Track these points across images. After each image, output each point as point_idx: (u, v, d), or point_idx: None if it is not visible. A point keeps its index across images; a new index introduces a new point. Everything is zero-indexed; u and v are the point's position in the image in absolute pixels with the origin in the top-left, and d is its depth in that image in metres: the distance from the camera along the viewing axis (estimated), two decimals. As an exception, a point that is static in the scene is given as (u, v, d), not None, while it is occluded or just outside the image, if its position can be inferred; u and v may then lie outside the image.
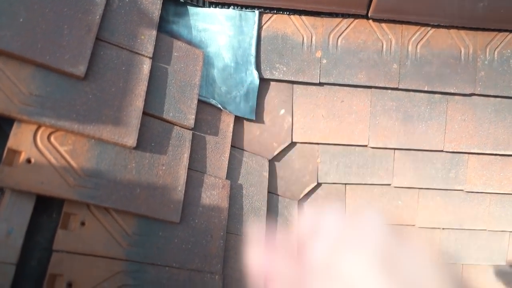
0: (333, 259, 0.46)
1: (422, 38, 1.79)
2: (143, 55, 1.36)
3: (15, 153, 1.08)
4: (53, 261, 1.08)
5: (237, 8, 1.65)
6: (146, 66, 1.35)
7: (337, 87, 1.80)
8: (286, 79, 1.73)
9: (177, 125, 1.42)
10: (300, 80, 1.74)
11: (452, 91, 1.81)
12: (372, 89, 1.81)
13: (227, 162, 1.56)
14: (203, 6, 1.64)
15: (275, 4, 1.65)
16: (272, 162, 1.77)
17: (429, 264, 0.44)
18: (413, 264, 0.44)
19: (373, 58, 1.77)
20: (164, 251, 1.28)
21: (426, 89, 1.80)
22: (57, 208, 1.14)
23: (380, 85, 1.78)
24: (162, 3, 1.46)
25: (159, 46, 1.43)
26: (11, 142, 1.08)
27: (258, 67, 1.69)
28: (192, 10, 1.62)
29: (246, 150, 1.69)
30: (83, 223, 1.16)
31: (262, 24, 1.70)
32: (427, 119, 1.84)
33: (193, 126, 1.45)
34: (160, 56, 1.44)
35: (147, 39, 1.39)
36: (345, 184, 1.91)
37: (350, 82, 1.77)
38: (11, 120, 1.09)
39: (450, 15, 1.70)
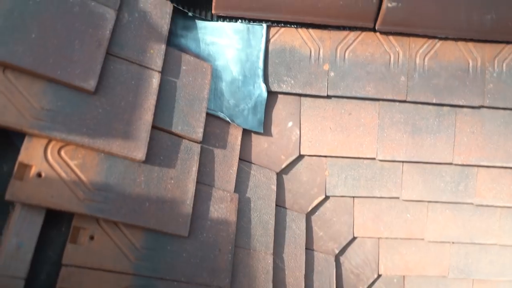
0: None
1: (429, 51, 1.79)
2: (152, 69, 1.37)
3: (26, 167, 1.08)
4: (62, 276, 1.08)
5: (245, 21, 1.67)
6: (155, 80, 1.36)
7: (345, 99, 1.80)
8: (294, 92, 1.73)
9: (185, 139, 1.42)
10: (308, 93, 1.74)
11: (460, 103, 1.80)
12: (380, 102, 1.81)
13: (235, 175, 1.56)
14: (211, 20, 1.65)
15: (282, 17, 1.66)
16: (280, 175, 1.76)
17: None
18: None
19: (380, 71, 1.77)
20: (172, 265, 1.28)
21: (434, 101, 1.80)
22: (66, 222, 1.15)
23: (388, 97, 1.78)
24: (171, 17, 1.47)
25: (168, 60, 1.45)
26: (22, 156, 1.08)
27: (266, 80, 1.69)
28: (200, 24, 1.64)
29: (254, 163, 1.68)
30: (92, 237, 1.15)
31: (270, 38, 1.71)
32: (435, 131, 1.83)
33: (201, 140, 1.45)
34: (169, 70, 1.45)
35: (156, 53, 1.40)
36: (353, 197, 1.90)
37: (358, 95, 1.77)
38: (22, 134, 1.10)
39: (458, 27, 1.70)
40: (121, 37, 1.33)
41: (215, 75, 1.62)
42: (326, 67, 1.75)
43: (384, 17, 1.65)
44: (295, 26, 1.72)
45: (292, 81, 1.72)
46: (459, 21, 1.68)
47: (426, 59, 1.79)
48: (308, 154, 1.80)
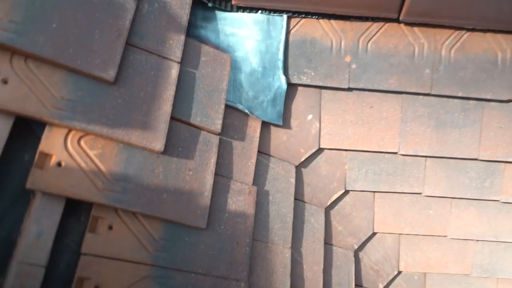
0: None
1: (456, 42, 1.73)
2: (172, 60, 1.36)
3: (46, 156, 1.09)
4: (81, 265, 1.09)
5: (265, 12, 1.64)
6: (174, 70, 1.36)
7: (367, 92, 1.76)
8: (314, 84, 1.70)
9: (204, 130, 1.41)
10: (329, 85, 1.71)
11: (488, 97, 1.74)
12: (403, 95, 1.76)
13: (253, 167, 1.54)
14: (231, 10, 1.63)
15: (303, 8, 1.63)
16: (299, 168, 1.74)
17: None
18: None
19: (404, 63, 1.72)
20: (190, 257, 1.27)
21: (460, 95, 1.74)
22: (85, 212, 1.15)
23: (412, 90, 1.73)
24: (191, 8, 1.46)
25: (187, 51, 1.44)
26: (43, 146, 1.09)
27: (285, 72, 1.67)
28: (220, 14, 1.62)
29: (273, 156, 1.66)
30: (110, 227, 1.16)
31: (290, 29, 1.68)
32: (460, 126, 1.78)
33: (220, 131, 1.44)
34: (188, 61, 1.44)
35: (176, 43, 1.39)
36: (374, 192, 1.87)
37: (380, 88, 1.72)
38: (43, 123, 1.11)
39: (486, 18, 1.63)
40: (141, 27, 1.33)
41: (234, 67, 1.61)
42: (348, 59, 1.71)
43: (409, 7, 1.60)
44: (316, 17, 1.68)
45: (313, 73, 1.69)
46: (488, 11, 1.61)
47: (452, 51, 1.73)
48: (328, 147, 1.77)
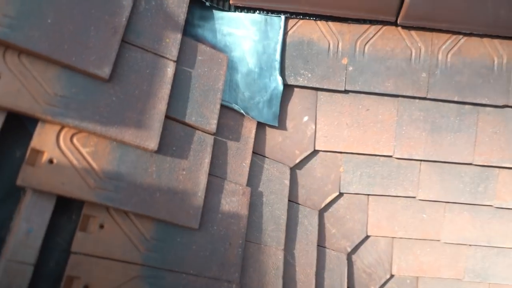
0: None
1: (453, 47, 1.73)
2: (168, 58, 1.35)
3: (38, 153, 1.08)
4: (71, 263, 1.08)
5: (262, 12, 1.64)
6: (170, 69, 1.35)
7: (363, 95, 1.75)
8: (311, 85, 1.69)
9: (199, 130, 1.40)
10: (325, 87, 1.70)
11: (483, 102, 1.74)
12: (399, 98, 1.76)
13: (248, 168, 1.53)
14: (229, 10, 1.63)
15: (301, 9, 1.63)
16: (293, 170, 1.73)
17: None
18: None
19: (401, 66, 1.72)
20: (181, 257, 1.26)
21: (456, 99, 1.74)
22: (76, 210, 1.14)
23: (408, 94, 1.73)
24: (188, 6, 1.45)
25: (184, 50, 1.43)
26: (35, 142, 1.08)
27: (282, 73, 1.66)
28: (217, 14, 1.61)
29: (267, 157, 1.66)
30: (102, 226, 1.15)
31: (288, 30, 1.68)
32: (456, 130, 1.78)
33: (215, 131, 1.43)
34: (184, 60, 1.43)
35: (172, 42, 1.38)
36: (368, 195, 1.86)
37: (377, 90, 1.72)
38: (35, 119, 1.10)
39: (484, 23, 1.63)
40: (137, 25, 1.31)
41: (231, 67, 1.60)
42: (345, 61, 1.70)
43: (407, 11, 1.60)
44: (314, 18, 1.68)
45: (309, 75, 1.69)
46: (486, 16, 1.61)
47: (449, 55, 1.73)
48: (323, 149, 1.76)
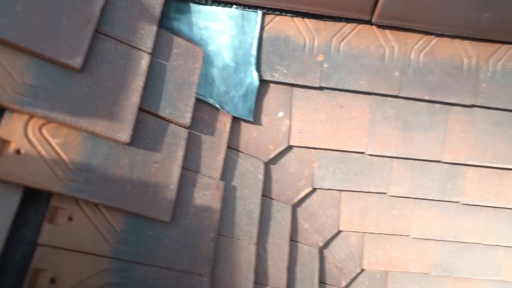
0: None
1: (425, 47, 1.77)
2: (142, 50, 1.34)
3: (5, 143, 1.05)
4: (38, 256, 1.06)
5: (240, 7, 1.64)
6: (144, 61, 1.33)
7: (337, 92, 1.78)
8: (286, 81, 1.71)
9: (172, 123, 1.39)
10: (300, 83, 1.72)
11: (453, 101, 1.79)
12: (373, 96, 1.79)
13: (222, 162, 1.54)
14: (206, 4, 1.62)
15: (278, 5, 1.63)
16: (267, 165, 1.75)
17: None
18: None
19: (375, 65, 1.75)
20: (152, 250, 1.26)
21: (426, 98, 1.78)
22: (44, 202, 1.12)
23: (381, 92, 1.76)
24: (164, -2, 1.44)
25: (159, 42, 1.41)
26: (1, 132, 1.05)
27: (258, 68, 1.67)
28: (194, 7, 1.60)
29: (242, 152, 1.66)
30: (70, 218, 1.13)
31: (265, 25, 1.68)
32: (426, 128, 1.83)
33: (189, 125, 1.43)
34: (159, 52, 1.41)
35: (147, 34, 1.36)
36: (341, 190, 1.89)
37: (351, 88, 1.75)
38: (2, 109, 1.07)
39: (455, 24, 1.68)
40: (111, 16, 1.29)
41: (207, 61, 1.59)
42: (320, 58, 1.72)
43: (381, 10, 1.62)
44: (291, 14, 1.69)
45: (285, 71, 1.70)
46: (457, 18, 1.66)
47: (421, 55, 1.77)
48: (297, 145, 1.78)
